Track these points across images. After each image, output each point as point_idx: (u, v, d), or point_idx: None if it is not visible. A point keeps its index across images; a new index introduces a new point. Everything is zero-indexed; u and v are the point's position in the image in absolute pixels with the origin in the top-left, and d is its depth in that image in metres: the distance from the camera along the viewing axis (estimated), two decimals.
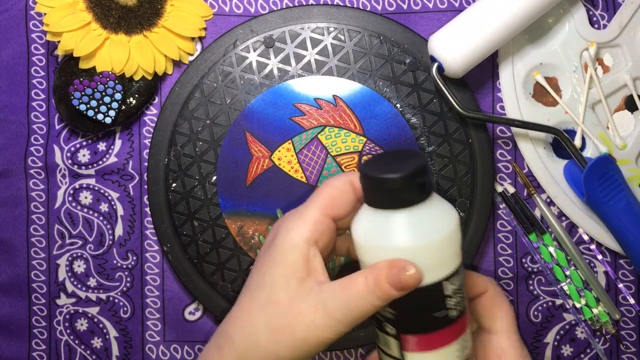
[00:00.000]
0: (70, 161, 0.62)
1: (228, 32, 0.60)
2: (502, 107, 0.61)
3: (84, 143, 0.62)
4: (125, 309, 0.63)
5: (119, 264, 0.63)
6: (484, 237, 0.60)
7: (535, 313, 0.62)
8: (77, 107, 0.59)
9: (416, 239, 0.42)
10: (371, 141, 0.59)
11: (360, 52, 0.59)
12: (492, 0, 0.55)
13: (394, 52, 0.59)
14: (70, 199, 0.63)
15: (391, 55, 0.59)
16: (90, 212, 0.63)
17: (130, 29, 0.59)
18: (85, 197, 0.63)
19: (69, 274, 0.63)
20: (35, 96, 0.63)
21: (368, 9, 0.61)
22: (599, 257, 0.61)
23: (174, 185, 0.60)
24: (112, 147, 0.62)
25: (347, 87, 0.59)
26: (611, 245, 0.60)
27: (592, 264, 0.61)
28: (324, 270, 0.45)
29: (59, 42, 0.58)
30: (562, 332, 0.62)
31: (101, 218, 0.63)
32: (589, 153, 0.60)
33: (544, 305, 0.62)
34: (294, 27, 0.59)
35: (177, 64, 0.62)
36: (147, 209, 0.62)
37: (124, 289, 0.63)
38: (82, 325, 0.63)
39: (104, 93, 0.59)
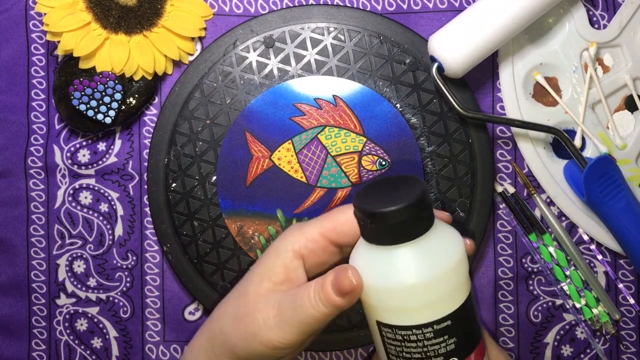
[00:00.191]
0: (70, 161, 0.62)
1: (228, 32, 0.60)
2: (502, 107, 0.61)
3: (84, 143, 0.62)
4: (125, 309, 0.63)
5: (119, 264, 0.63)
6: (484, 237, 0.60)
7: (535, 313, 0.62)
8: (77, 107, 0.59)
9: (421, 275, 0.39)
10: (371, 141, 0.59)
11: (360, 52, 0.59)
12: (492, 0, 0.55)
13: (394, 52, 0.59)
14: (70, 199, 0.63)
15: (391, 55, 0.59)
16: (90, 212, 0.63)
17: (130, 29, 0.59)
18: (85, 197, 0.63)
19: (69, 274, 0.63)
20: (35, 96, 0.63)
21: (368, 9, 0.61)
22: (599, 257, 0.61)
23: (174, 185, 0.60)
24: (112, 147, 0.62)
25: (347, 87, 0.59)
26: (611, 245, 0.60)
27: (592, 264, 0.61)
28: (303, 282, 0.45)
29: (58, 42, 0.58)
30: (562, 332, 0.62)
31: (101, 218, 0.63)
32: (589, 153, 0.60)
33: (544, 305, 0.62)
34: (294, 27, 0.59)
35: (177, 64, 0.62)
36: (147, 209, 0.62)
37: (124, 289, 0.63)
38: (82, 325, 0.63)
39: (104, 93, 0.59)
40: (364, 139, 0.59)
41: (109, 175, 0.62)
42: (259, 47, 0.59)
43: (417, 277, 0.39)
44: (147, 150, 0.61)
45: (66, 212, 0.63)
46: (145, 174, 0.61)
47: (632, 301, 0.61)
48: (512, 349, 0.62)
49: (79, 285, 0.63)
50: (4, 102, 0.62)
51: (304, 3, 0.61)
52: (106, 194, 0.62)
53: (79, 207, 0.63)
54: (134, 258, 0.63)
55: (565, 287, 0.61)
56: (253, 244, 0.59)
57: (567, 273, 0.61)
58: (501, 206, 0.61)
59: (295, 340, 0.43)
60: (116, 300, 0.63)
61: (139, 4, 0.59)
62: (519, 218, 0.61)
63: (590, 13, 0.60)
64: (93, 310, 0.63)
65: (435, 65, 0.56)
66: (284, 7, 0.61)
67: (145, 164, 0.62)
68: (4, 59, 0.62)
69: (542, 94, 0.60)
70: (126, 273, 0.63)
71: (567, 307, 0.61)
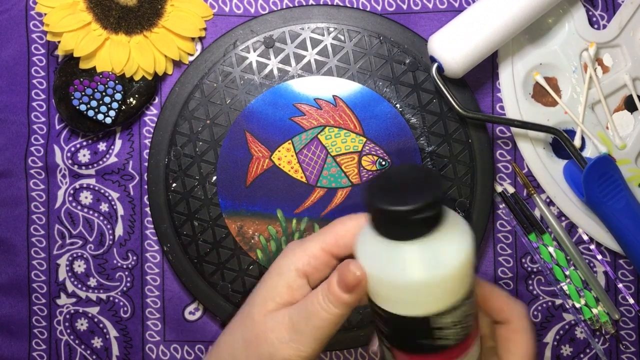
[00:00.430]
0: (70, 161, 0.62)
1: (228, 33, 0.60)
2: (502, 107, 0.61)
3: (84, 143, 0.62)
4: (125, 308, 0.63)
5: (119, 264, 0.63)
6: (484, 237, 0.60)
7: (535, 313, 0.62)
8: (77, 107, 0.59)
9: (429, 272, 0.38)
10: (371, 141, 0.59)
11: (360, 52, 0.59)
12: (492, 0, 0.55)
13: (394, 52, 0.59)
14: (70, 199, 0.63)
15: (391, 55, 0.59)
16: (91, 212, 0.63)
17: (130, 29, 0.59)
18: (86, 197, 0.63)
19: (69, 274, 0.63)
20: (35, 96, 0.63)
21: (368, 9, 0.61)
22: (599, 257, 0.61)
23: (174, 185, 0.60)
24: (112, 147, 0.62)
25: (347, 87, 0.59)
26: (611, 245, 0.60)
27: (591, 264, 0.62)
28: None
29: (59, 42, 0.58)
30: (561, 332, 0.62)
31: (101, 218, 0.63)
32: (588, 153, 0.60)
33: (544, 305, 0.62)
34: (294, 28, 0.59)
35: (177, 64, 0.62)
36: (147, 209, 0.62)
37: (124, 288, 0.63)
38: (82, 325, 0.63)
39: (104, 93, 0.59)
40: (364, 139, 0.59)
41: (109, 175, 0.62)
42: (259, 47, 0.59)
43: (421, 275, 0.39)
44: (148, 150, 0.61)
45: (66, 212, 0.63)
46: (146, 174, 0.61)
47: (631, 301, 0.61)
48: None
49: (80, 285, 0.63)
50: (4, 102, 0.63)
51: (304, 3, 0.61)
52: (106, 194, 0.63)
53: (79, 207, 0.63)
54: (134, 258, 0.63)
55: (565, 287, 0.61)
56: (253, 244, 0.59)
57: (567, 273, 0.61)
58: (501, 206, 0.61)
59: (311, 350, 0.42)
60: (116, 300, 0.63)
61: (139, 4, 0.59)
62: (519, 218, 0.61)
63: (590, 13, 0.61)
64: (93, 310, 0.63)
65: (435, 65, 0.56)
66: (284, 7, 0.61)
67: (146, 164, 0.62)
68: (4, 59, 0.62)
69: (542, 94, 0.60)
70: (126, 273, 0.63)
71: (567, 307, 0.61)
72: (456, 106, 0.56)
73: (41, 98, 0.63)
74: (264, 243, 0.59)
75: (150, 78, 0.60)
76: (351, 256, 0.44)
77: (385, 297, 0.41)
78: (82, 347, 0.63)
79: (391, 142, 0.59)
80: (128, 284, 0.63)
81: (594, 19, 0.61)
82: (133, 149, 0.62)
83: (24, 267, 0.63)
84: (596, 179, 0.56)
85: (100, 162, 0.62)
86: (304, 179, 0.59)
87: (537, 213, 0.61)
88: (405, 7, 0.61)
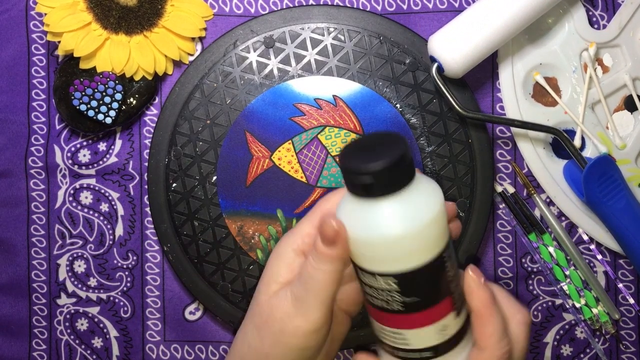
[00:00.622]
0: (70, 161, 0.62)
1: (228, 33, 0.60)
2: (502, 107, 0.61)
3: (84, 143, 0.63)
4: (125, 308, 0.63)
5: (119, 264, 0.63)
6: (484, 237, 0.60)
7: (535, 313, 0.62)
8: (78, 107, 0.59)
9: (400, 227, 0.41)
10: None
11: (360, 52, 0.59)
12: (492, 0, 0.55)
13: (394, 52, 0.59)
14: (70, 199, 0.63)
15: (391, 55, 0.59)
16: (91, 212, 0.63)
17: (130, 29, 0.59)
18: (86, 197, 0.63)
19: (70, 274, 0.63)
20: (35, 96, 0.63)
21: (368, 9, 0.61)
22: (599, 257, 0.61)
23: (174, 185, 0.60)
24: (112, 147, 0.62)
25: (347, 87, 0.59)
26: (611, 245, 0.60)
27: (591, 264, 0.62)
28: None
29: (59, 42, 0.58)
30: (561, 331, 0.62)
31: (101, 218, 0.63)
32: (588, 153, 0.60)
33: (544, 305, 0.62)
34: (294, 28, 0.60)
35: (177, 64, 0.62)
36: (148, 209, 0.62)
37: (124, 288, 0.63)
38: (82, 325, 0.63)
39: (104, 93, 0.59)
40: None
41: (109, 175, 0.62)
42: (259, 47, 0.59)
43: (390, 232, 0.41)
44: (148, 150, 0.61)
45: (67, 212, 0.63)
46: (146, 174, 0.61)
47: (631, 301, 0.61)
48: None
49: (80, 285, 0.63)
50: (5, 102, 0.63)
51: (304, 3, 0.61)
52: (107, 194, 0.63)
53: (79, 207, 0.63)
54: (135, 258, 0.63)
55: (565, 287, 0.61)
56: (253, 244, 0.59)
57: (567, 273, 0.61)
58: (501, 206, 0.61)
59: (319, 315, 0.43)
60: (117, 300, 0.63)
61: (139, 4, 0.59)
62: (519, 218, 0.61)
63: (590, 13, 0.61)
64: (93, 310, 0.63)
65: (435, 65, 0.56)
66: (284, 7, 0.61)
67: (146, 164, 0.62)
68: (5, 59, 0.62)
69: (542, 94, 0.60)
70: (126, 273, 0.63)
71: (567, 306, 0.61)
72: (456, 106, 0.56)
73: (41, 98, 0.63)
74: (264, 243, 0.59)
75: (150, 78, 0.60)
76: None
77: (361, 255, 0.42)
78: (82, 347, 0.63)
79: None
80: (128, 284, 0.63)
81: (594, 19, 0.61)
82: (133, 149, 0.62)
83: (24, 267, 0.63)
84: (596, 179, 0.56)
85: (101, 162, 0.62)
86: (304, 179, 0.59)
87: (537, 213, 0.61)
88: (405, 7, 0.61)
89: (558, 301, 0.62)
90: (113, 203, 0.63)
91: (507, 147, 0.61)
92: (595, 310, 0.61)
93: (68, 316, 0.63)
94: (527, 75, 0.60)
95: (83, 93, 0.59)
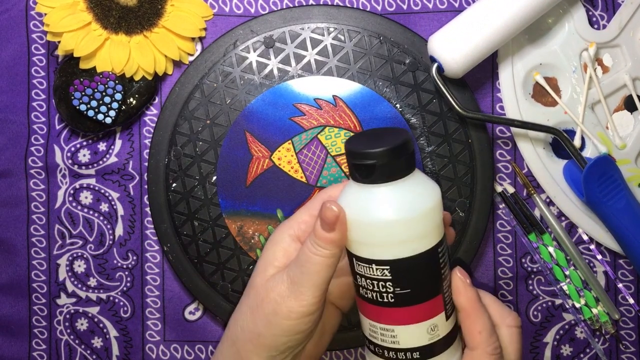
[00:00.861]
0: (70, 161, 0.62)
1: (228, 33, 0.60)
2: (502, 107, 0.61)
3: (84, 143, 0.62)
4: (125, 308, 0.63)
5: (119, 264, 0.63)
6: (484, 237, 0.60)
7: (535, 313, 0.62)
8: (78, 107, 0.59)
9: (393, 214, 0.42)
10: None
11: (360, 52, 0.59)
12: (492, 0, 0.55)
13: (394, 52, 0.59)
14: (70, 199, 0.63)
15: (391, 55, 0.59)
16: (91, 212, 0.63)
17: (130, 29, 0.59)
18: (86, 197, 0.63)
19: (69, 274, 0.63)
20: (35, 96, 0.63)
21: (368, 9, 0.61)
22: (599, 257, 0.61)
23: (174, 185, 0.60)
24: (112, 147, 0.62)
25: (347, 87, 0.59)
26: (611, 245, 0.60)
27: (591, 264, 0.62)
28: None
29: (59, 42, 0.58)
30: (561, 331, 0.62)
31: (101, 218, 0.63)
32: (588, 153, 0.60)
33: (544, 305, 0.62)
34: (294, 28, 0.59)
35: (177, 64, 0.62)
36: (147, 209, 0.62)
37: (124, 288, 0.63)
38: (82, 325, 0.63)
39: (104, 93, 0.59)
40: None
41: (109, 175, 0.62)
42: (259, 47, 0.59)
43: (388, 216, 0.42)
44: (148, 150, 0.61)
45: (66, 212, 0.63)
46: (146, 174, 0.61)
47: (631, 301, 0.61)
48: None
49: (80, 285, 0.63)
50: (5, 102, 0.63)
51: (304, 3, 0.61)
52: (106, 194, 0.63)
53: (79, 207, 0.63)
54: (135, 258, 0.63)
55: (565, 287, 0.61)
56: (253, 243, 0.59)
57: (567, 273, 0.61)
58: (501, 206, 0.61)
59: (312, 298, 0.44)
60: (116, 300, 0.63)
61: (139, 4, 0.59)
62: (519, 218, 0.61)
63: (590, 13, 0.61)
64: (93, 310, 0.63)
65: (435, 65, 0.56)
66: (284, 7, 0.61)
67: (146, 164, 0.62)
68: (5, 59, 0.62)
69: (542, 94, 0.60)
70: (126, 273, 0.63)
71: (567, 306, 0.61)
72: (456, 106, 0.56)
73: (41, 98, 0.63)
74: (264, 243, 0.59)
75: (150, 78, 0.60)
76: None
77: (358, 242, 0.43)
78: (82, 347, 0.63)
79: None
80: (128, 284, 0.63)
81: (594, 19, 0.61)
82: (133, 149, 0.62)
83: (24, 267, 0.63)
84: (596, 179, 0.56)
85: (100, 162, 0.62)
86: (304, 179, 0.59)
87: (537, 213, 0.61)
88: (405, 7, 0.61)
89: (558, 301, 0.62)
90: (113, 203, 0.63)
91: (507, 147, 0.61)
92: (595, 310, 0.61)
93: (68, 316, 0.63)
94: (527, 75, 0.60)
95: (83, 93, 0.59)
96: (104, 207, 0.63)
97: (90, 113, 0.59)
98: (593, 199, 0.57)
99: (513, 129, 0.60)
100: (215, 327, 0.63)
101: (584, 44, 0.59)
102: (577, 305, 0.61)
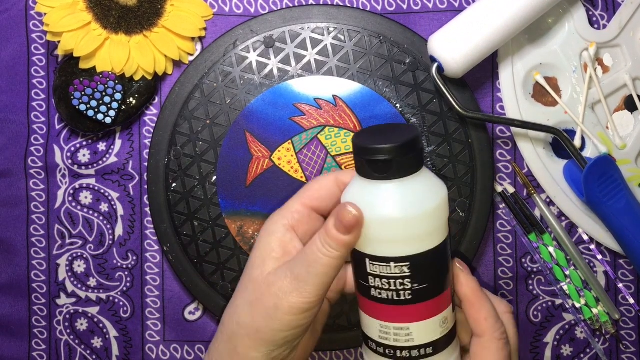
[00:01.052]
0: (70, 161, 0.62)
1: (228, 32, 0.60)
2: (502, 107, 0.61)
3: (84, 143, 0.62)
4: (125, 308, 0.63)
5: (119, 264, 0.63)
6: (484, 237, 0.60)
7: (535, 313, 0.62)
8: (77, 107, 0.59)
9: (397, 211, 0.42)
10: None
11: (360, 52, 0.59)
12: (492, 0, 0.55)
13: (394, 52, 0.59)
14: (70, 199, 0.63)
15: (391, 55, 0.59)
16: (91, 212, 0.63)
17: (130, 29, 0.59)
18: (86, 197, 0.63)
19: (69, 274, 0.63)
20: (35, 96, 0.63)
21: (368, 9, 0.61)
22: (599, 257, 0.61)
23: (174, 185, 0.60)
24: (112, 147, 0.62)
25: (347, 87, 0.59)
26: (611, 245, 0.60)
27: (591, 264, 0.62)
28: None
29: (59, 42, 0.58)
30: (561, 331, 0.62)
31: (101, 218, 0.63)
32: (588, 153, 0.60)
33: (544, 305, 0.62)
34: (294, 27, 0.59)
35: (177, 64, 0.62)
36: (147, 209, 0.62)
37: (124, 288, 0.63)
38: (82, 325, 0.63)
39: (104, 93, 0.59)
40: None
41: (109, 175, 0.62)
42: (259, 47, 0.59)
43: (392, 212, 0.42)
44: (147, 150, 0.61)
45: (66, 212, 0.63)
46: (146, 174, 0.61)
47: (631, 301, 0.61)
48: None
49: (79, 285, 0.63)
50: (4, 102, 0.62)
51: (304, 3, 0.61)
52: (106, 194, 0.63)
53: (79, 207, 0.63)
54: (134, 258, 0.63)
55: (565, 287, 0.61)
56: (253, 244, 0.59)
57: (567, 273, 0.61)
58: (501, 206, 0.61)
59: (316, 297, 0.44)
60: (116, 300, 0.63)
61: (139, 4, 0.59)
62: (519, 218, 0.61)
63: (590, 13, 0.61)
64: (93, 310, 0.63)
65: (435, 65, 0.56)
66: (284, 7, 0.61)
67: (146, 164, 0.62)
68: (4, 59, 0.62)
69: (542, 94, 0.60)
70: (126, 273, 0.63)
71: (567, 306, 0.61)
72: (456, 106, 0.56)
73: (41, 98, 0.63)
74: None
75: (150, 78, 0.60)
76: (328, 208, 0.48)
77: (375, 241, 0.43)
78: (82, 347, 0.63)
79: None
80: (128, 284, 0.63)
81: (594, 18, 0.61)
82: (133, 149, 0.62)
83: (23, 267, 0.63)
84: (596, 179, 0.56)
85: (100, 162, 0.62)
86: (304, 179, 0.59)
87: (537, 213, 0.61)
88: (405, 7, 0.61)
89: (558, 301, 0.62)
90: (113, 203, 0.62)
91: (507, 147, 0.61)
92: (595, 311, 0.61)
93: (68, 316, 0.63)
94: (527, 75, 0.60)
95: (83, 93, 0.59)
96: (104, 207, 0.63)
97: (90, 113, 0.59)
98: (593, 199, 0.57)
99: (513, 129, 0.60)
100: (215, 327, 0.63)
101: (584, 43, 0.59)
102: (578, 305, 0.61)
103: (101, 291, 0.63)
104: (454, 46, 0.55)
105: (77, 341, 0.63)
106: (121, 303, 0.63)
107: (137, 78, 0.60)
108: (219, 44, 0.60)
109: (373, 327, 0.45)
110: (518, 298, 0.62)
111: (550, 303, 0.62)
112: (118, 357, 0.63)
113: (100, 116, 0.59)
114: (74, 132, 0.62)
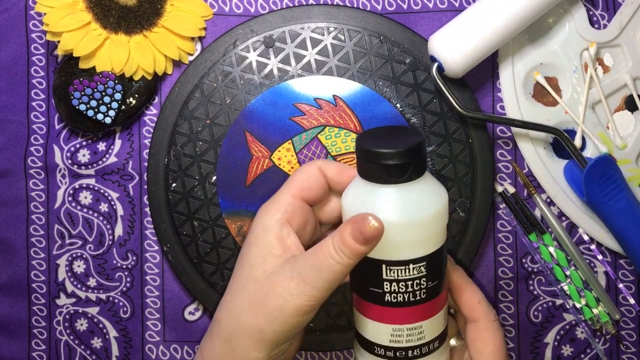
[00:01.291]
0: (70, 161, 0.62)
1: (228, 32, 0.60)
2: (502, 107, 0.61)
3: (84, 143, 0.62)
4: (125, 309, 0.63)
5: (118, 264, 0.63)
6: (484, 237, 0.60)
7: (535, 313, 0.62)
8: (77, 107, 0.59)
9: (397, 215, 0.42)
10: None
11: (360, 52, 0.59)
12: (492, 0, 0.55)
13: (394, 52, 0.59)
14: (70, 199, 0.63)
15: (391, 55, 0.59)
16: (90, 212, 0.63)
17: (130, 28, 0.59)
18: (85, 197, 0.63)
19: (69, 274, 0.63)
20: (35, 96, 0.63)
21: (368, 9, 0.61)
22: (599, 257, 0.61)
23: (173, 185, 0.60)
24: (112, 147, 0.62)
25: (347, 87, 0.59)
26: (611, 245, 0.60)
27: (592, 264, 0.61)
28: (299, 246, 0.46)
29: (58, 42, 0.58)
30: (562, 332, 0.62)
31: (101, 218, 0.63)
32: (589, 153, 0.60)
33: (544, 305, 0.62)
34: (294, 27, 0.59)
35: (177, 64, 0.62)
36: (147, 209, 0.62)
37: (124, 289, 0.63)
38: (82, 325, 0.63)
39: (103, 93, 0.59)
40: None
41: (109, 175, 0.62)
42: (259, 47, 0.59)
43: (414, 215, 0.43)
44: (147, 150, 0.61)
45: (66, 212, 0.63)
46: (145, 174, 0.61)
47: (632, 301, 0.61)
48: (512, 349, 0.62)
49: (79, 285, 0.63)
50: (4, 102, 0.62)
51: (304, 3, 0.61)
52: (106, 194, 0.62)
53: (79, 207, 0.63)
54: (134, 258, 0.63)
55: (566, 287, 0.61)
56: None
57: (567, 273, 0.61)
58: (501, 206, 0.61)
59: (321, 299, 0.44)
60: (116, 300, 0.63)
61: (139, 4, 0.59)
62: (519, 218, 0.61)
63: (590, 13, 0.60)
64: (93, 310, 0.63)
65: (435, 65, 0.56)
66: (284, 7, 0.61)
67: (145, 164, 0.62)
68: (4, 59, 0.62)
69: (542, 94, 0.60)
70: (126, 273, 0.63)
71: (567, 307, 0.61)
72: (456, 106, 0.56)
73: (41, 98, 0.63)
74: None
75: (150, 78, 0.60)
76: (316, 198, 0.48)
77: (393, 246, 0.44)
78: (82, 347, 0.63)
79: None
80: (128, 284, 0.63)
81: (595, 18, 0.61)
82: (133, 149, 0.62)
83: (23, 267, 0.63)
84: (597, 179, 0.56)
85: (100, 162, 0.62)
86: None
87: (537, 213, 0.61)
88: (405, 6, 0.61)
89: (558, 301, 0.62)
90: (112, 203, 0.62)
91: (508, 147, 0.61)
92: (595, 311, 0.61)
93: (67, 316, 0.63)
94: (527, 75, 0.60)
95: (82, 93, 0.59)
96: (104, 207, 0.62)
97: (90, 113, 0.59)
98: (594, 199, 0.57)
99: (513, 128, 0.60)
100: None
101: (585, 43, 0.59)
102: (578, 305, 0.61)
103: (101, 291, 0.63)
104: (454, 46, 0.55)
105: (76, 341, 0.63)
106: (121, 303, 0.63)
107: (136, 78, 0.60)
108: (219, 44, 0.60)
109: (382, 332, 0.45)
110: (518, 298, 0.62)
111: (550, 303, 0.62)
112: (118, 357, 0.63)
113: (100, 116, 0.59)
114: (74, 132, 0.62)
